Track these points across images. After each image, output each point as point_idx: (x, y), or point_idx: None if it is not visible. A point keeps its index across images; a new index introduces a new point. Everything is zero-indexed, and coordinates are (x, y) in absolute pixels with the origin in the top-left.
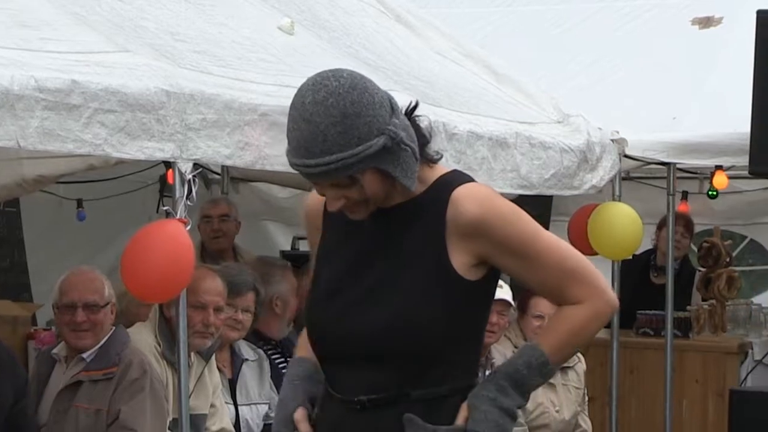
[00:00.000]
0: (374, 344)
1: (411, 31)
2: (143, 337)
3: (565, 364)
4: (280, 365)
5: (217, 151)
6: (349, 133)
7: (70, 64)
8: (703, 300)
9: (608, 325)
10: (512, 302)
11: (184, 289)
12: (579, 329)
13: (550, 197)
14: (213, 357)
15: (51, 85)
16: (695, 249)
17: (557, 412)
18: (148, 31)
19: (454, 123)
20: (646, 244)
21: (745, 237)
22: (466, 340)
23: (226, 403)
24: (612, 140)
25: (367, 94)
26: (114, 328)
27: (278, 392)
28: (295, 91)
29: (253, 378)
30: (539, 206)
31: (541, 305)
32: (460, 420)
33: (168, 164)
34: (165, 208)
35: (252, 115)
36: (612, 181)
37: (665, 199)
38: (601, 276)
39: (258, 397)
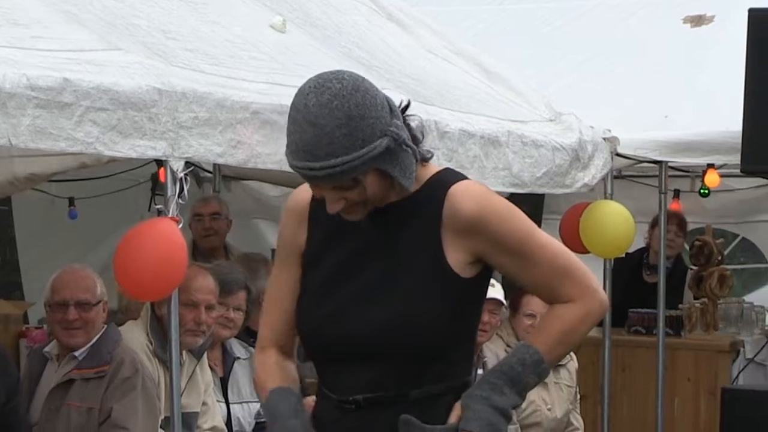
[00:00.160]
0: (372, 344)
1: (403, 29)
2: (135, 336)
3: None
4: None
5: (209, 149)
6: (353, 135)
7: (62, 62)
8: (695, 298)
9: (600, 324)
10: (504, 301)
11: (176, 288)
12: (571, 328)
13: (542, 195)
14: (205, 355)
15: (43, 83)
16: (687, 247)
17: (549, 410)
18: (140, 29)
19: (446, 121)
20: (639, 243)
21: (737, 235)
22: (461, 338)
23: (218, 401)
24: (604, 139)
25: (369, 96)
26: (106, 326)
27: None
28: (287, 89)
29: (245, 376)
30: (531, 204)
31: (533, 304)
32: (452, 419)
33: (160, 162)
34: (158, 206)
35: (244, 113)
36: (604, 179)
37: (657, 198)
38: (592, 275)
39: (250, 396)
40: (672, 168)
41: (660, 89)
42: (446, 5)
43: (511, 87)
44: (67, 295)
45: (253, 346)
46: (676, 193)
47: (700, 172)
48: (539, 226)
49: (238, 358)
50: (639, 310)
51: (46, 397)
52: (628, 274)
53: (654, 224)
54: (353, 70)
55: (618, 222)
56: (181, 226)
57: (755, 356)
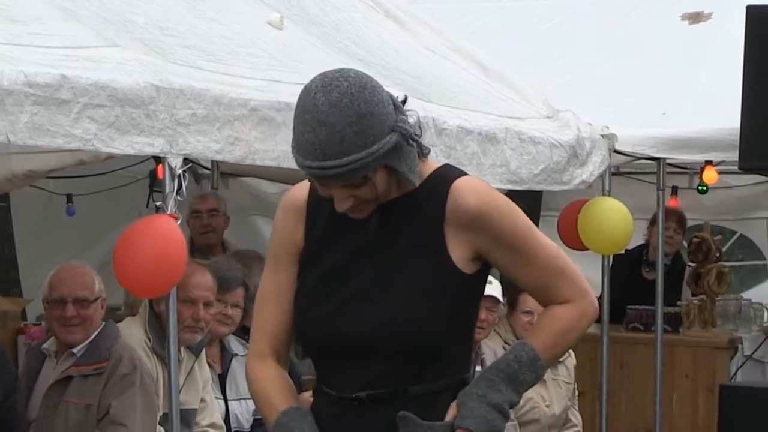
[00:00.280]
0: (375, 342)
1: (400, 26)
2: (133, 332)
3: None
4: None
5: (207, 146)
6: (365, 132)
7: (60, 59)
8: (693, 295)
9: (598, 320)
10: (501, 298)
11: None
12: (568, 328)
13: (540, 192)
14: (203, 352)
15: (40, 80)
16: (685, 244)
17: (547, 406)
18: (138, 26)
19: (444, 118)
20: (638, 240)
21: (735, 232)
22: (461, 335)
23: (216, 398)
24: (602, 135)
25: (376, 93)
26: (104, 323)
27: None
28: (284, 86)
29: (243, 373)
30: (529, 201)
31: (531, 301)
32: (449, 417)
33: (158, 159)
34: (158, 203)
35: (242, 110)
36: (602, 176)
37: (655, 195)
38: (584, 277)
39: (247, 392)
40: (670, 165)
41: (658, 86)
42: (444, 2)
43: (508, 84)
44: (65, 291)
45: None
46: (674, 190)
47: (698, 169)
48: (537, 223)
49: (236, 354)
50: (637, 306)
51: (45, 394)
52: (628, 271)
53: (653, 221)
54: (351, 67)
55: (616, 219)
56: (179, 222)
57: (753, 353)
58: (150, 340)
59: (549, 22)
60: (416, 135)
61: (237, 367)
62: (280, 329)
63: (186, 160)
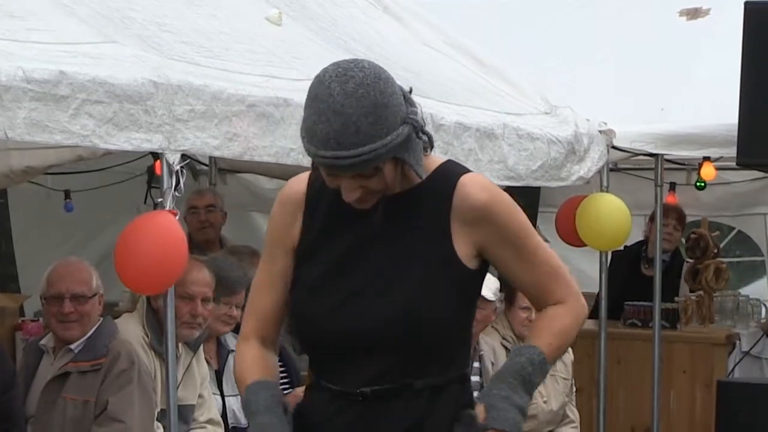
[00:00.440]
0: (380, 337)
1: (399, 22)
2: (131, 328)
3: None
4: None
5: (205, 142)
6: (379, 123)
7: (58, 54)
8: (691, 291)
9: (596, 316)
10: (492, 297)
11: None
12: (567, 328)
13: (538, 189)
14: (201, 348)
15: (38, 76)
16: (683, 240)
17: (545, 402)
18: (136, 22)
19: (442, 114)
20: (637, 236)
21: (733, 228)
22: (464, 330)
23: (213, 393)
24: (600, 131)
25: (390, 84)
26: (101, 319)
27: None
28: (283, 82)
29: None
30: (527, 198)
31: None
32: (481, 420)
33: (156, 155)
34: (159, 200)
35: (240, 106)
36: (600, 172)
37: (653, 191)
38: (572, 278)
39: None
40: (668, 161)
41: (656, 82)
42: None
43: (506, 80)
44: (63, 288)
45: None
46: (672, 186)
47: (696, 165)
48: (535, 219)
49: (232, 351)
50: (635, 302)
51: (42, 389)
52: (627, 267)
53: (653, 217)
54: None
55: (614, 215)
56: (177, 218)
57: (751, 349)
58: (148, 336)
59: (547, 19)
60: (425, 128)
61: (233, 363)
62: (270, 315)
63: (184, 156)
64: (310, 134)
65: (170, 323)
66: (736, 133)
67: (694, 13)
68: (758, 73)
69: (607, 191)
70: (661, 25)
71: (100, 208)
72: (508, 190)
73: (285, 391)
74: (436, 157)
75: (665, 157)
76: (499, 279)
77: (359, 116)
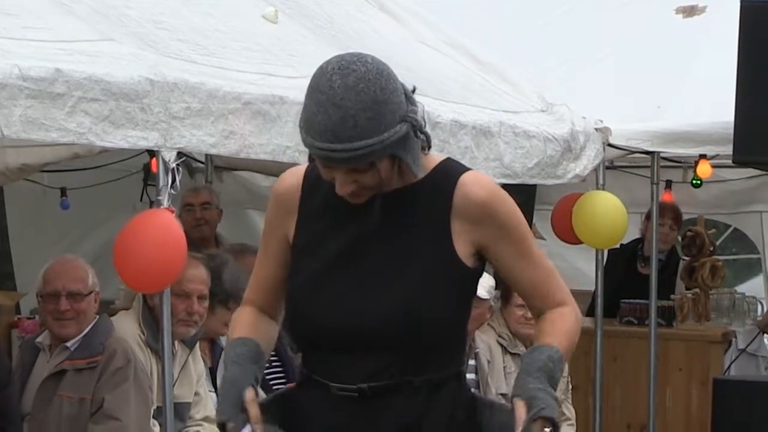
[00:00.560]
0: (380, 334)
1: (395, 20)
2: (127, 326)
3: None
4: None
5: (202, 139)
6: (377, 119)
7: (54, 52)
8: (687, 289)
9: (592, 314)
10: (488, 296)
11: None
12: (574, 329)
13: (534, 186)
14: (197, 345)
15: (35, 73)
16: (679, 238)
17: None
18: (132, 20)
19: (438, 112)
20: (633, 234)
21: (729, 226)
22: (461, 327)
23: (209, 391)
24: (596, 129)
25: (392, 81)
26: (98, 316)
27: None
28: (279, 80)
29: None
30: (524, 195)
31: None
32: (522, 415)
33: (152, 153)
34: (159, 197)
35: (236, 103)
36: (596, 170)
37: (649, 188)
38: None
39: None
40: (664, 159)
41: (652, 80)
42: None
43: (503, 78)
44: (59, 285)
45: None
46: (668, 184)
47: (692, 163)
48: (531, 217)
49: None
50: (631, 300)
51: (38, 387)
52: (623, 266)
53: (649, 215)
54: None
55: (610, 212)
56: (174, 216)
57: (747, 347)
58: (144, 334)
59: (544, 17)
60: (424, 128)
61: None
62: (266, 289)
63: (180, 154)
64: (308, 125)
65: (166, 321)
66: (732, 131)
67: (690, 11)
68: (754, 71)
69: (603, 189)
70: (658, 22)
71: (96, 206)
72: (505, 188)
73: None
74: (436, 155)
75: (661, 154)
76: (495, 277)
77: (358, 110)
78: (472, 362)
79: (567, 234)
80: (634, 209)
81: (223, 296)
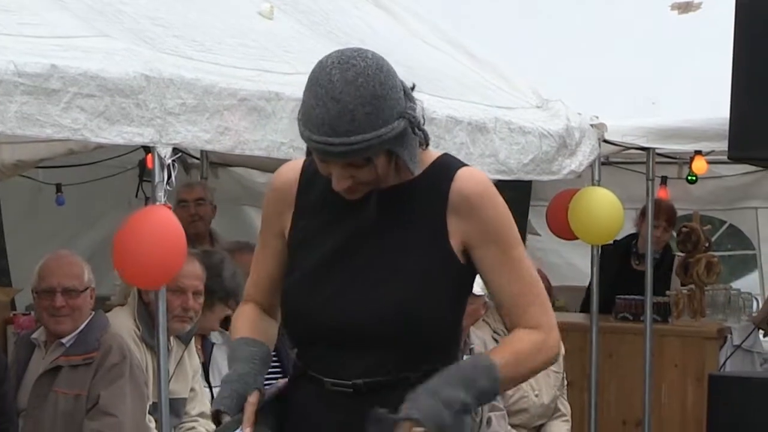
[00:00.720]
0: (376, 330)
1: (390, 15)
2: (122, 322)
3: None
4: None
5: (197, 135)
6: (375, 114)
7: (50, 48)
8: (683, 285)
9: (587, 310)
10: (482, 292)
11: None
12: (528, 353)
13: (529, 182)
14: (192, 341)
15: (30, 69)
16: (674, 234)
17: (536, 396)
18: (128, 16)
19: (433, 108)
20: (627, 229)
21: (725, 222)
22: (456, 324)
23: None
24: (591, 125)
25: (391, 77)
26: (93, 312)
27: None
28: (274, 76)
29: (224, 360)
30: (519, 192)
31: None
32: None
33: (147, 149)
34: (159, 194)
35: (231, 100)
36: (591, 166)
37: (644, 184)
38: (553, 313)
39: None
40: (659, 155)
41: (648, 76)
42: None
43: (498, 74)
44: (54, 282)
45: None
46: (664, 180)
47: (687, 159)
48: (527, 213)
49: (215, 343)
50: (626, 296)
51: (34, 383)
52: (617, 262)
53: (644, 213)
54: None
55: (607, 209)
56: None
57: (742, 343)
58: (139, 330)
59: (538, 12)
60: (422, 124)
61: (218, 355)
62: (265, 285)
63: (175, 150)
64: (305, 118)
65: (162, 316)
66: (727, 127)
67: (685, 7)
68: (749, 67)
69: (599, 185)
70: (653, 18)
71: (91, 202)
72: (500, 184)
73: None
74: (433, 151)
75: (657, 150)
76: None
77: (356, 105)
78: (467, 358)
79: (562, 230)
80: (629, 205)
81: (223, 294)
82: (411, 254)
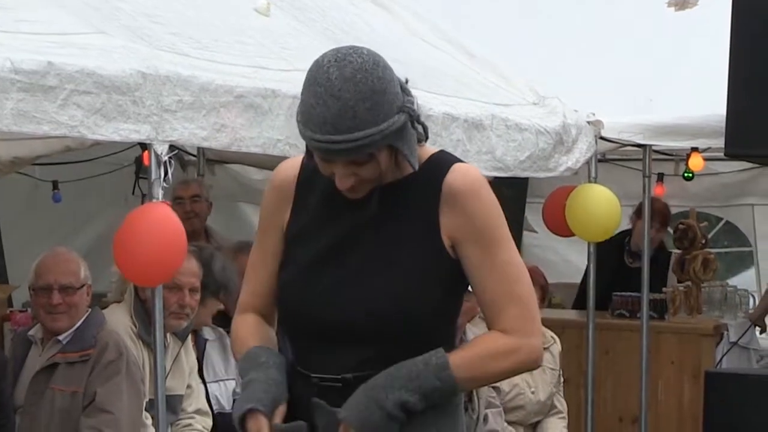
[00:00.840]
0: (367, 326)
1: (387, 12)
2: (119, 318)
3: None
4: None
5: (194, 132)
6: (375, 109)
7: (46, 45)
8: (679, 282)
9: (584, 307)
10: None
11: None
12: (493, 355)
13: (526, 179)
14: (189, 338)
15: (27, 66)
16: (671, 231)
17: (533, 393)
18: (125, 13)
19: (430, 105)
20: (622, 226)
21: (721, 219)
22: (450, 320)
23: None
24: (588, 122)
25: (388, 71)
26: (90, 309)
27: None
28: (271, 73)
29: (218, 356)
30: (515, 188)
31: None
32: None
33: (144, 146)
34: (156, 190)
35: (228, 97)
36: (588, 163)
37: (641, 181)
38: (539, 319)
39: (224, 374)
40: (656, 152)
41: (644, 73)
42: None
43: (495, 71)
44: (51, 279)
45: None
46: (660, 177)
47: (684, 156)
48: (523, 210)
49: (208, 339)
50: (623, 293)
51: (31, 380)
52: (610, 259)
53: (638, 212)
54: None
55: (604, 206)
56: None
57: (739, 340)
58: (136, 326)
59: (535, 10)
60: (420, 118)
61: (211, 351)
62: (264, 290)
63: (172, 147)
64: (306, 118)
65: (158, 313)
66: (724, 124)
67: (682, 4)
68: (746, 64)
69: (595, 182)
70: (650, 15)
71: (88, 199)
72: (497, 181)
73: None
74: (430, 147)
75: (653, 147)
76: None
77: (356, 101)
78: (424, 355)
79: (558, 227)
80: (625, 202)
81: (214, 287)
82: (405, 247)
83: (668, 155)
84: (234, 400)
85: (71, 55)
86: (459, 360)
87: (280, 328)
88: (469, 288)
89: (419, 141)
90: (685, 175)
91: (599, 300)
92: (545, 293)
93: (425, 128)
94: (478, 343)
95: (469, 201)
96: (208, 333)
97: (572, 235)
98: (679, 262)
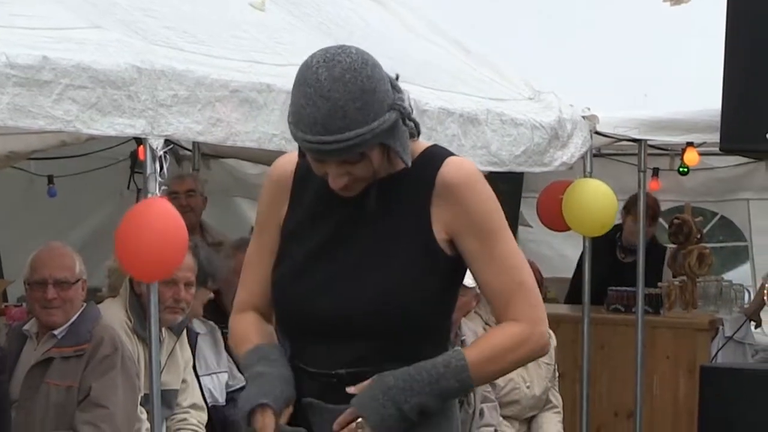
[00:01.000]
0: (361, 323)
1: (382, 7)
2: (114, 313)
3: None
4: None
5: (189, 127)
6: (366, 108)
7: (41, 40)
8: (674, 276)
9: (579, 302)
10: (473, 284)
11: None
12: (508, 347)
13: (521, 174)
14: (184, 332)
15: (22, 61)
16: (666, 226)
17: (528, 387)
18: (120, 7)
19: (425, 100)
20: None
21: (716, 213)
22: (444, 316)
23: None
24: (583, 117)
25: (377, 69)
26: (85, 304)
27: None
28: (266, 67)
29: (209, 349)
30: (510, 183)
31: None
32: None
33: (139, 140)
34: (152, 185)
35: (223, 91)
36: (583, 157)
37: (636, 176)
38: (543, 306)
39: (216, 367)
40: (651, 146)
41: (639, 67)
42: None
43: (490, 66)
44: (46, 273)
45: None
46: (655, 172)
47: (679, 151)
48: (519, 204)
49: (199, 333)
50: (618, 288)
51: (26, 375)
52: (605, 253)
53: (628, 208)
54: None
55: (601, 200)
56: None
57: (734, 334)
58: (131, 321)
59: (530, 4)
60: (411, 115)
61: (202, 345)
62: (261, 288)
63: (167, 142)
64: (296, 118)
65: (153, 308)
66: (719, 119)
67: None
68: (741, 58)
69: (591, 176)
70: (645, 10)
71: (83, 193)
72: (493, 176)
73: None
74: (423, 142)
75: (648, 142)
76: None
77: (346, 101)
78: (444, 354)
79: (553, 221)
80: (621, 197)
81: (203, 278)
82: (399, 242)
83: (663, 150)
84: (227, 394)
85: (66, 50)
86: (476, 357)
87: (277, 326)
88: (464, 283)
89: (411, 136)
90: (681, 169)
91: (592, 295)
92: (540, 288)
93: (416, 124)
94: (491, 337)
95: (464, 193)
96: (199, 326)
97: (567, 229)
98: (674, 256)
